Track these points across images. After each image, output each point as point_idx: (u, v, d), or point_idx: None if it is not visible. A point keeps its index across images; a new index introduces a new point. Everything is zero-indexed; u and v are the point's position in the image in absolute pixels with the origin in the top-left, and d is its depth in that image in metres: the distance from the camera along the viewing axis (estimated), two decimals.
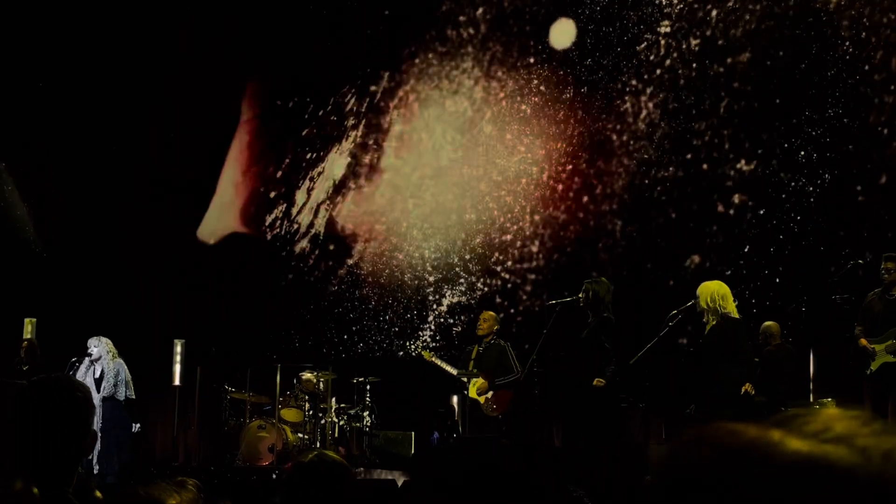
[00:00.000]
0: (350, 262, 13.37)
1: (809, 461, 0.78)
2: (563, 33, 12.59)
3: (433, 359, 9.82)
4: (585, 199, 12.28)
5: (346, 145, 13.60)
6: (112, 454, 9.76)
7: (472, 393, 9.47)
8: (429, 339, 12.59)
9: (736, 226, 11.36)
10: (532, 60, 12.72)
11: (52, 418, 2.24)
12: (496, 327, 9.65)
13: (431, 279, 12.94)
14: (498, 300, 12.36)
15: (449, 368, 9.70)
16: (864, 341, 8.46)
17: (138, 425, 9.95)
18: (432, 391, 11.02)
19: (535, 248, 12.50)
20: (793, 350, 9.61)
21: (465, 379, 9.45)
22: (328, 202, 13.58)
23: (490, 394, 9.39)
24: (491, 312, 9.85)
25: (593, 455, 8.02)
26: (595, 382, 8.27)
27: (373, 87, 13.46)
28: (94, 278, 12.74)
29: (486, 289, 12.61)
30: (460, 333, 12.30)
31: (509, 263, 12.57)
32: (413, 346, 10.11)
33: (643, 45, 12.06)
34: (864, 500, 0.76)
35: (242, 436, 10.42)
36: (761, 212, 11.29)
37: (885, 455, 0.78)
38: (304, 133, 13.67)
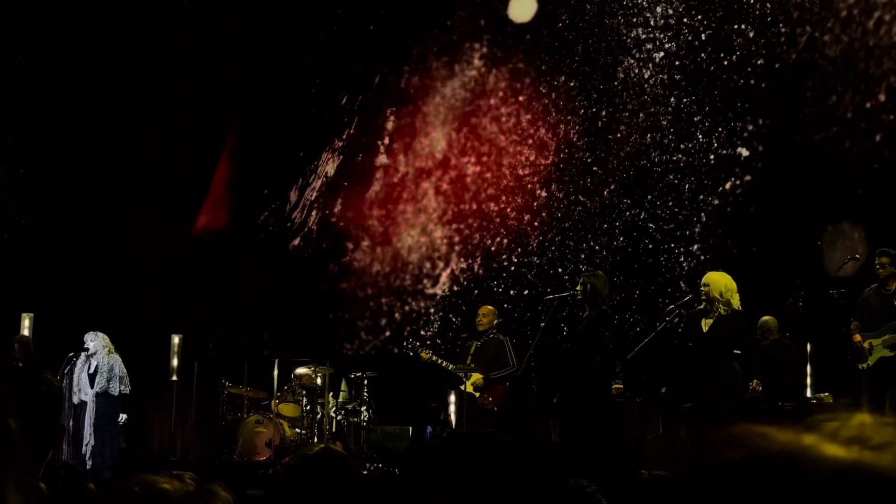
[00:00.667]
0: (345, 258, 13.36)
1: (855, 468, 0.78)
2: (522, 6, 12.51)
3: (431, 357, 9.80)
4: (580, 187, 12.28)
5: (340, 143, 13.58)
6: (105, 449, 9.76)
7: (469, 387, 9.49)
8: (425, 334, 12.56)
9: (733, 219, 11.36)
10: (514, 42, 12.72)
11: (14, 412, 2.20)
12: (496, 321, 9.66)
13: (429, 272, 12.93)
14: (497, 288, 12.35)
15: (446, 365, 9.71)
16: (858, 337, 8.47)
17: (125, 416, 9.92)
18: (429, 386, 11.02)
19: (532, 238, 12.49)
20: (790, 345, 9.61)
21: (461, 374, 9.46)
22: (320, 199, 13.57)
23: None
24: (489, 307, 9.82)
25: (591, 450, 8.02)
26: (614, 390, 8.27)
27: (370, 83, 13.44)
28: (91, 274, 12.73)
29: (480, 273, 12.61)
30: (459, 327, 12.27)
31: (506, 251, 12.56)
32: (410, 346, 10.01)
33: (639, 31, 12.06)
34: None
35: (240, 431, 10.42)
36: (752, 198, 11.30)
37: None
38: (296, 131, 13.65)
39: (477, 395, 9.41)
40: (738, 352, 7.84)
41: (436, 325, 12.76)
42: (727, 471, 0.83)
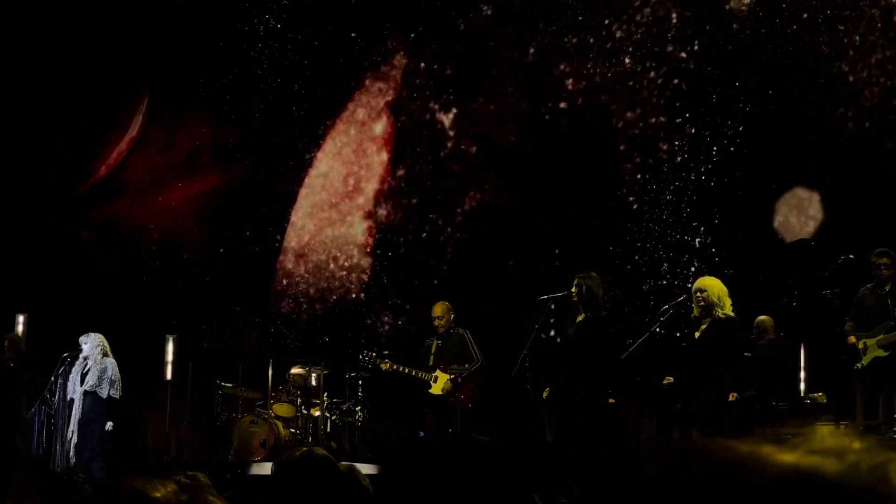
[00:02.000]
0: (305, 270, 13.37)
1: (799, 472, 0.79)
2: None
3: (392, 367, 9.58)
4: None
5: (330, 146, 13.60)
6: (90, 447, 9.74)
7: (437, 390, 9.35)
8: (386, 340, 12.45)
9: (729, 217, 11.36)
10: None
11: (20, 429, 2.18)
12: (453, 316, 9.54)
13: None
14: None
15: (409, 371, 9.49)
16: (853, 339, 8.48)
17: (111, 424, 9.89)
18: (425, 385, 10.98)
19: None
20: (786, 345, 9.63)
21: (426, 377, 9.34)
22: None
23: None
24: (444, 304, 9.55)
25: (591, 451, 7.99)
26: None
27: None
28: (87, 273, 12.74)
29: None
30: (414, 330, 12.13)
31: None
32: (367, 359, 9.79)
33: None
34: None
35: (234, 431, 10.42)
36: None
37: (871, 469, 0.79)
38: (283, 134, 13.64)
39: (450, 398, 9.29)
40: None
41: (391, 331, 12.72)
42: (695, 482, 0.84)
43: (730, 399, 7.72)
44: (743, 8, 11.40)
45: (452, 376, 9.27)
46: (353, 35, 13.12)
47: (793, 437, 0.85)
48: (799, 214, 11.00)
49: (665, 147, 11.77)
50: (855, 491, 0.78)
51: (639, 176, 11.82)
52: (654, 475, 0.88)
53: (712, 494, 0.82)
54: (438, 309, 9.49)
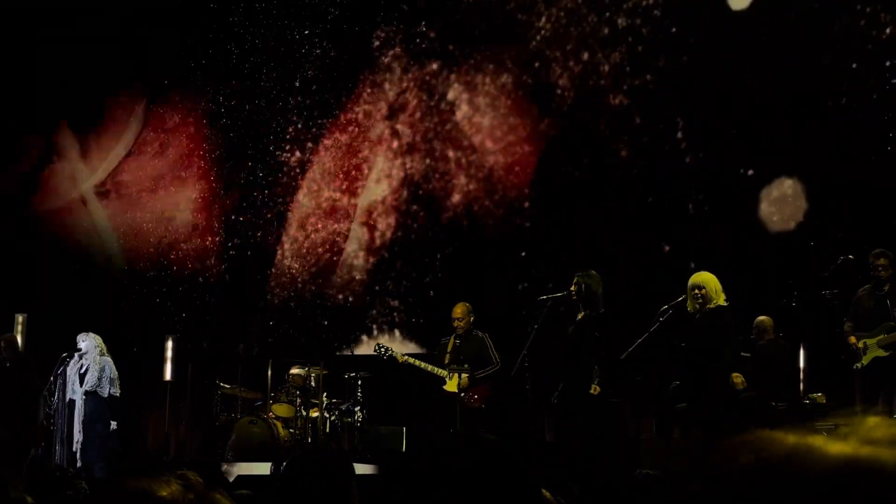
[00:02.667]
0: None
1: (856, 462, 0.78)
2: None
3: (407, 360, 9.61)
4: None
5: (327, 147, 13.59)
6: (93, 447, 9.74)
7: (452, 387, 9.37)
8: (399, 333, 12.43)
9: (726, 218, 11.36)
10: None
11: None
12: (472, 318, 9.54)
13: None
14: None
15: (425, 366, 9.50)
16: (853, 339, 8.48)
17: (115, 424, 9.89)
18: (424, 386, 10.98)
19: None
20: (785, 345, 9.62)
21: (443, 374, 9.34)
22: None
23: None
24: (464, 305, 9.55)
25: (591, 450, 7.99)
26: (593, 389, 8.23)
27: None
28: (87, 273, 12.74)
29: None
30: (429, 324, 12.10)
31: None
32: (382, 351, 9.80)
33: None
34: None
35: (234, 431, 10.41)
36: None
37: None
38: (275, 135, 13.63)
39: (461, 395, 9.32)
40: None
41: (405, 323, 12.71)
42: (738, 475, 0.83)
43: (737, 383, 7.91)
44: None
45: (468, 374, 9.28)
46: (347, 27, 13.12)
47: (841, 427, 0.84)
48: (783, 204, 11.04)
49: (666, 144, 11.76)
50: None
51: (641, 164, 11.81)
52: (690, 472, 0.88)
53: (761, 489, 0.81)
54: (459, 310, 9.51)
